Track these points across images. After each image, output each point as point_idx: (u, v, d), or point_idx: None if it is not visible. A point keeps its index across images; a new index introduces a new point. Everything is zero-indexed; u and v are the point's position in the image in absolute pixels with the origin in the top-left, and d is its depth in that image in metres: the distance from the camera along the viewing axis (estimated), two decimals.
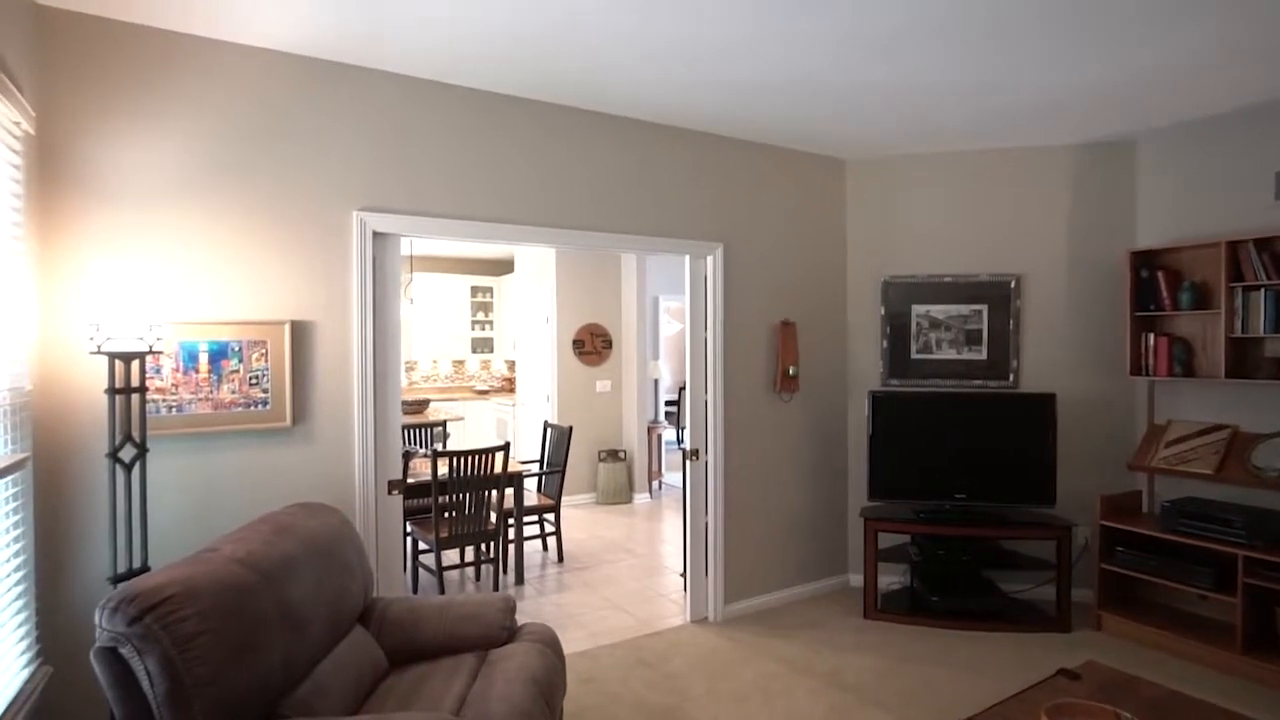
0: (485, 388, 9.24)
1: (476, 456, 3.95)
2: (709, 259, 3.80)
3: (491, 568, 4.10)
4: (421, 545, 4.38)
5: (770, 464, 4.05)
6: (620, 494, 6.67)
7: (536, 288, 7.10)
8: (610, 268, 6.93)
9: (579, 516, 6.19)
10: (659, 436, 7.12)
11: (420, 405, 6.72)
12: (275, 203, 2.70)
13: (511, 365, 9.03)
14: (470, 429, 8.68)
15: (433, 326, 8.83)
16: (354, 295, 2.85)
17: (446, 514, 3.93)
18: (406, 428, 5.48)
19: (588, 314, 6.80)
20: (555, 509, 4.85)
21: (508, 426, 8.09)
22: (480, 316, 9.24)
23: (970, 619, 3.69)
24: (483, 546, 4.23)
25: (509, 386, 9.47)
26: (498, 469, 4.10)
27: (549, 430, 5.21)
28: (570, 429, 4.92)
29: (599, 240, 3.45)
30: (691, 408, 3.80)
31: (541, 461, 5.21)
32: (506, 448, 4.10)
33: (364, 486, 2.85)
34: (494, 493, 4.15)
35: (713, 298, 3.80)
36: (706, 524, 3.85)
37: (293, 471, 2.72)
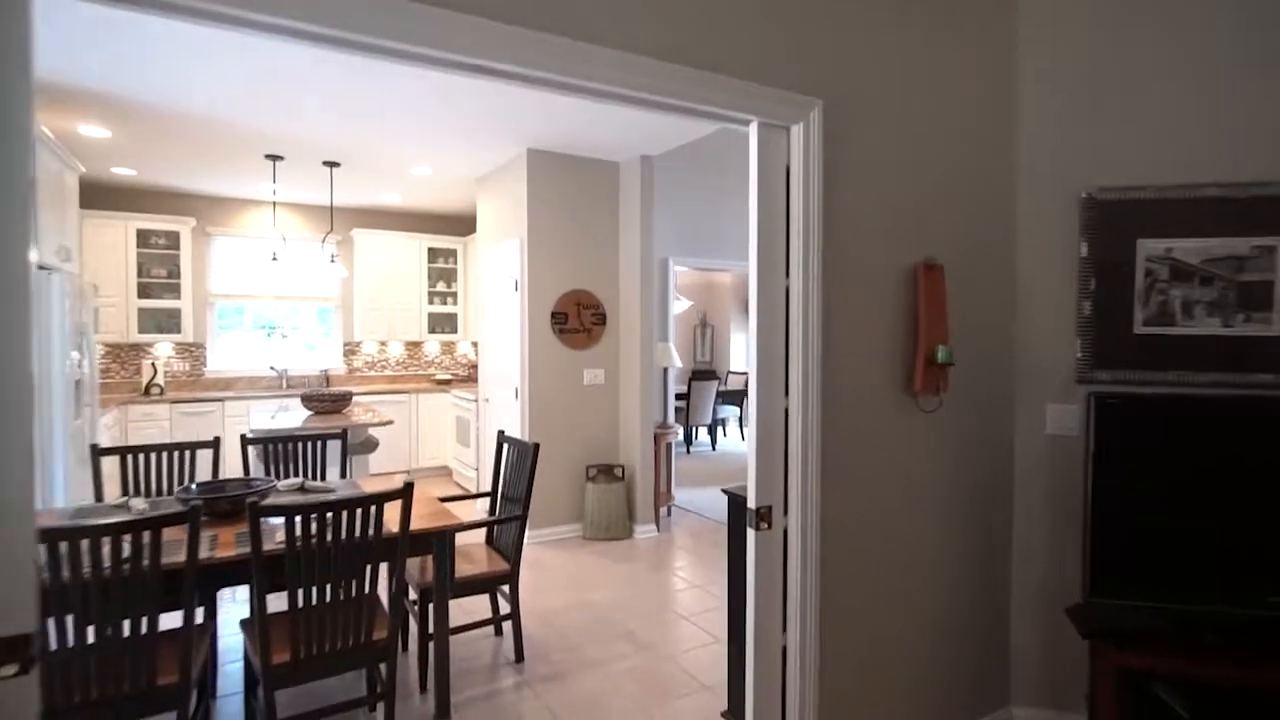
0: (447, 376, 7.38)
1: (345, 512, 2.08)
2: (794, 132, 1.93)
3: (386, 704, 2.26)
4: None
5: (901, 529, 2.20)
6: (616, 526, 4.83)
7: (501, 242, 5.21)
8: (604, 213, 5.04)
9: (558, 563, 4.35)
10: (668, 446, 5.27)
11: (338, 402, 4.84)
12: None
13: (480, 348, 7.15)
14: (423, 432, 6.82)
15: (379, 299, 6.94)
16: None
17: (295, 614, 2.08)
18: (301, 440, 3.59)
19: (572, 278, 4.92)
20: (511, 577, 3.00)
21: (470, 429, 6.23)
22: (441, 287, 7.36)
23: None
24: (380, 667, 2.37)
25: (477, 375, 7.63)
26: (402, 523, 2.23)
27: (505, 447, 3.34)
28: (535, 447, 3.05)
29: (592, 62, 1.56)
30: (757, 426, 1.93)
31: (494, 496, 3.35)
32: (407, 494, 2.24)
33: None
34: (406, 563, 2.30)
35: (802, 209, 1.92)
36: (784, 648, 2.00)
37: None
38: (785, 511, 1.97)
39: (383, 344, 7.29)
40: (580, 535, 4.91)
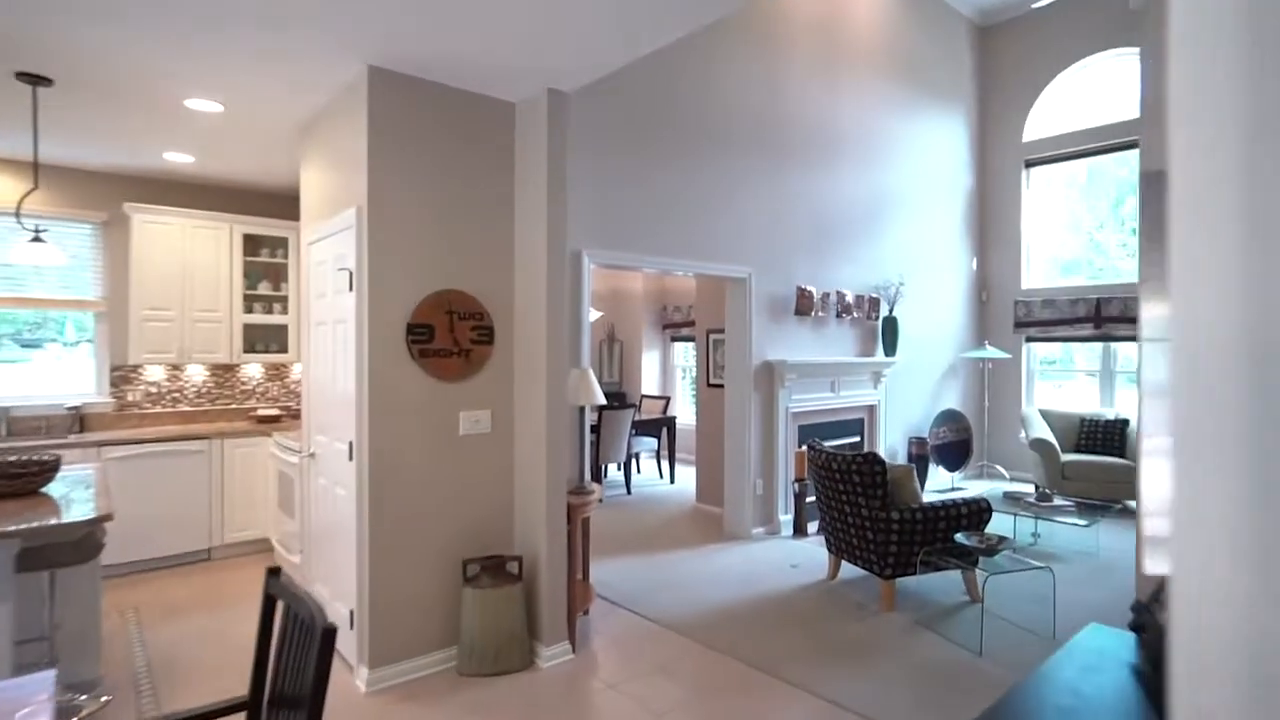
0: (274, 411, 5.38)
1: None
2: None
3: None
4: None
5: None
6: (510, 653, 3.15)
7: (330, 216, 3.43)
8: (493, 176, 3.38)
9: None
10: (586, 521, 3.65)
11: (25, 477, 2.84)
12: None
13: None
14: (233, 492, 4.82)
15: (169, 305, 4.88)
16: None
17: None
18: None
19: (441, 273, 3.23)
20: None
21: (294, 489, 4.33)
22: (264, 289, 5.37)
23: None
24: None
25: None
26: None
27: (279, 606, 1.61)
28: (329, 634, 1.37)
29: None
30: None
31: (255, 700, 1.61)
32: None
33: None
34: None
35: None
36: None
37: None
38: None
39: (175, 368, 5.20)
40: (453, 669, 3.18)
